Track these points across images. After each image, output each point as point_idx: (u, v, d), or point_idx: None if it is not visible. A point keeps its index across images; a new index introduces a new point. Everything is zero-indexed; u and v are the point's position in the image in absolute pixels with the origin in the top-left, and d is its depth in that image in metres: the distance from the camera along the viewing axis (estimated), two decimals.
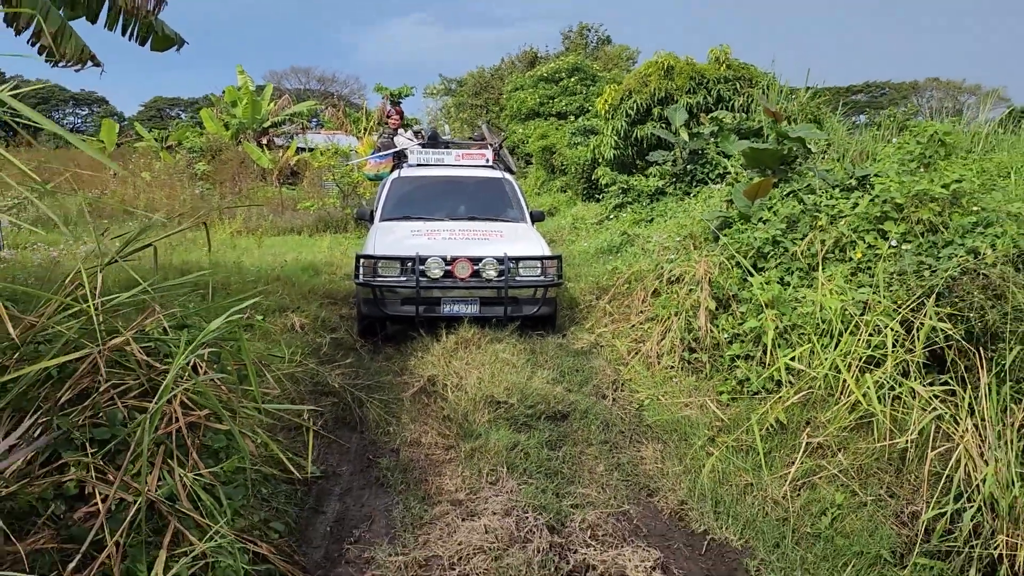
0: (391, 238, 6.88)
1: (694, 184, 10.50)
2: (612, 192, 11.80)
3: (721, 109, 11.78)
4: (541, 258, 6.57)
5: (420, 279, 6.28)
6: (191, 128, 25.70)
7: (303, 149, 22.32)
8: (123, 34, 5.56)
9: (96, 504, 2.86)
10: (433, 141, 9.80)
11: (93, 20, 5.29)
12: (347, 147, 20.21)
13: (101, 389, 3.16)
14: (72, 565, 2.62)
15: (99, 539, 2.70)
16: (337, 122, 29.26)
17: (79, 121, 67.51)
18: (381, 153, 10.81)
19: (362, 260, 6.41)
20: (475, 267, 6.40)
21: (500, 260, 6.41)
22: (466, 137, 27.36)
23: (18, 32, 3.89)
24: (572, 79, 30.36)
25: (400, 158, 9.05)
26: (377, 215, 7.78)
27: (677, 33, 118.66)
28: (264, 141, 22.76)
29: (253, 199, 16.30)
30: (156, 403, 3.02)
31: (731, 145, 8.62)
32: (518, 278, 6.47)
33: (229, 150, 20.28)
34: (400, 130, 11.38)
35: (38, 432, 2.79)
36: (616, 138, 13.12)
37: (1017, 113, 13.34)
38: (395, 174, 8.48)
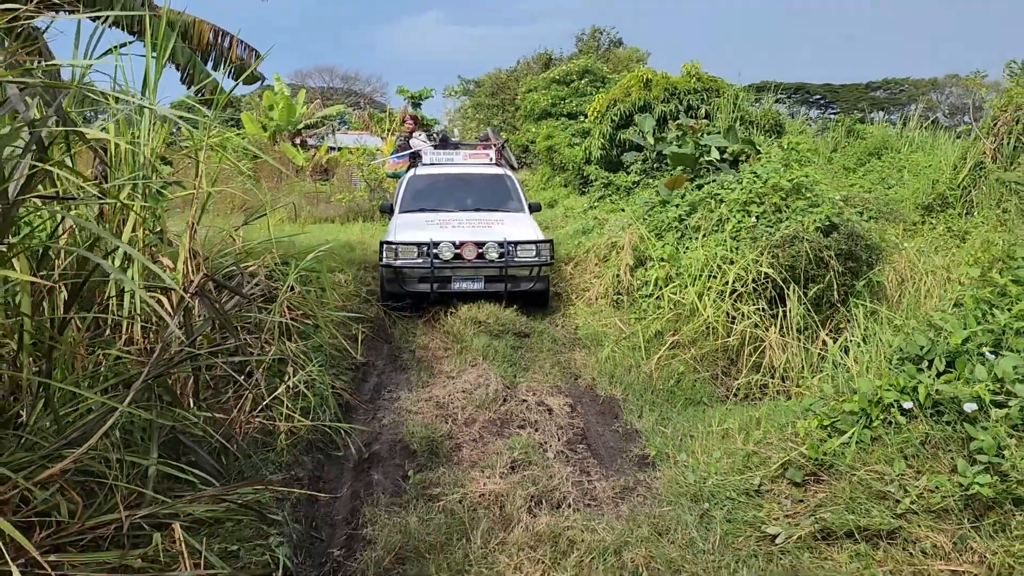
0: (409, 227, 8.03)
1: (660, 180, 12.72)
2: (596, 186, 14.06)
3: (690, 116, 13.97)
4: (536, 242, 7.73)
5: (434, 261, 7.45)
6: (228, 128, 28.22)
7: (333, 149, 24.76)
8: (223, 73, 7.94)
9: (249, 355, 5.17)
10: (444, 143, 11.94)
11: (205, 64, 7.66)
12: (374, 147, 22.56)
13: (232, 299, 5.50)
14: (239, 380, 4.95)
15: (248, 371, 5.00)
16: (363, 123, 31.75)
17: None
18: (399, 154, 12.99)
19: (385, 246, 7.58)
20: (480, 250, 7.55)
21: (501, 244, 7.56)
22: (479, 135, 29.59)
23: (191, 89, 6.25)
24: (582, 81, 32.59)
25: (415, 158, 10.87)
26: (396, 208, 9.07)
27: (693, 31, 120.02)
28: (298, 141, 25.23)
29: (292, 192, 18.70)
30: (277, 303, 5.36)
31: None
32: (516, 259, 7.58)
33: (267, 150, 22.72)
34: (415, 133, 13.57)
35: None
36: (603, 140, 15.34)
37: None
38: (411, 172, 9.84)
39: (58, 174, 2.45)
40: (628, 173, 13.96)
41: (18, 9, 2.18)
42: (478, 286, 7.60)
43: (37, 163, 2.25)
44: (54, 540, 2.96)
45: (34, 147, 2.38)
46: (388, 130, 29.71)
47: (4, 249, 2.39)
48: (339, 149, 24.78)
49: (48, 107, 2.39)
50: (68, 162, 2.78)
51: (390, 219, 9.20)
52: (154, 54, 4.43)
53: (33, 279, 2.31)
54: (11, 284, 3.22)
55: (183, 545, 2.76)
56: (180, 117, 4.20)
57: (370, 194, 18.10)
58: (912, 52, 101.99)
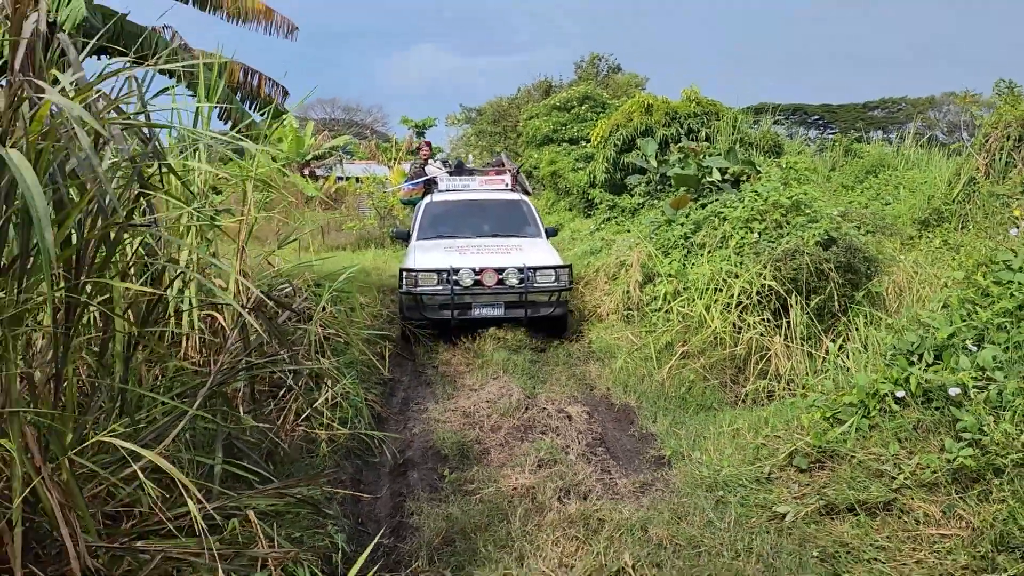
0: (428, 254, 8.04)
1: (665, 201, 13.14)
2: (601, 209, 14.50)
3: (691, 139, 14.43)
4: (555, 267, 7.78)
5: (454, 287, 7.51)
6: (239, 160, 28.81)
7: (341, 179, 25.32)
8: (250, 108, 8.41)
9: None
10: (459, 169, 12.22)
11: (240, 101, 8.13)
12: (383, 176, 23.10)
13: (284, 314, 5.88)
14: (284, 390, 5.31)
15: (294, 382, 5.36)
16: (369, 153, 32.39)
17: None
18: (414, 181, 13.34)
19: (405, 273, 7.63)
20: (500, 276, 7.58)
21: (521, 270, 7.60)
22: (485, 162, 30.17)
23: (227, 124, 6.71)
24: (583, 107, 33.24)
25: (430, 185, 11.06)
26: (414, 235, 9.05)
27: (691, 56, 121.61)
28: (307, 172, 25.78)
29: (303, 222, 19.17)
30: (313, 321, 5.74)
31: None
32: (536, 284, 7.61)
33: (278, 181, 23.26)
34: (430, 160, 13.93)
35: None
36: (607, 164, 15.80)
37: None
38: (427, 199, 9.90)
39: (157, 197, 2.84)
40: (632, 195, 14.40)
41: (125, 68, 2.58)
42: (498, 312, 7.66)
43: (143, 191, 2.65)
44: (140, 529, 3.31)
45: (135, 178, 2.78)
46: (394, 159, 30.31)
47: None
48: (347, 179, 25.34)
49: (144, 144, 2.79)
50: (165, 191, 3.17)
51: (405, 246, 9.26)
52: (193, 94, 4.88)
53: (147, 289, 2.70)
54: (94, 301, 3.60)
55: (259, 529, 3.11)
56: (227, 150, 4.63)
57: (379, 222, 18.56)
58: (910, 71, 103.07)
